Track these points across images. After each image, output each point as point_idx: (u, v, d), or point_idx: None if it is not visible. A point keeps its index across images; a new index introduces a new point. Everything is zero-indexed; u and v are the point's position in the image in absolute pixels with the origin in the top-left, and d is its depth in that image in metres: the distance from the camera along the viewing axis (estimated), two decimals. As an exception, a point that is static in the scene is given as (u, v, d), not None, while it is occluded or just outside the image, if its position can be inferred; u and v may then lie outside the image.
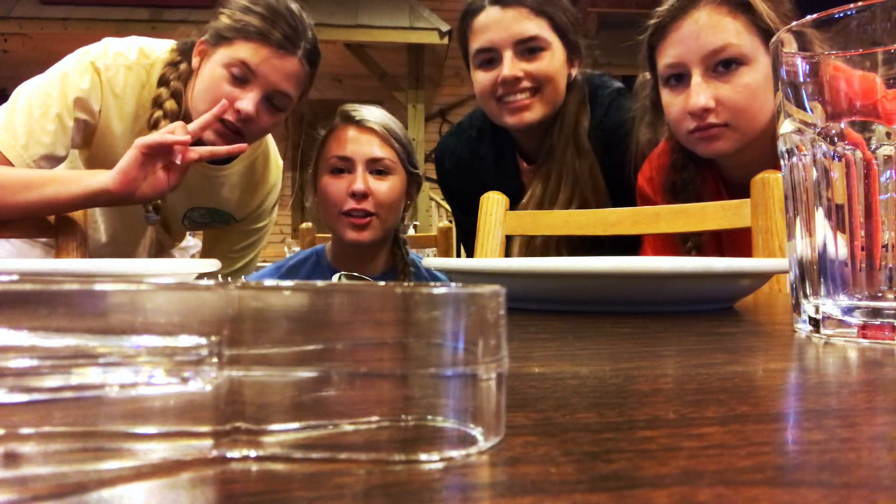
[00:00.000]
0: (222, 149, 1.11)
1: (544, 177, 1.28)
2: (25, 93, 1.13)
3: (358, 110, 1.29)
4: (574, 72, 1.28)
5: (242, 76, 1.11)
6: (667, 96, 1.06)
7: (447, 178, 1.50)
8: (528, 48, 1.21)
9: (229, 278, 1.52)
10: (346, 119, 1.29)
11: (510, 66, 1.20)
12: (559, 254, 1.30)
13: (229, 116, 1.12)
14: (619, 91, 1.31)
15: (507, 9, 1.20)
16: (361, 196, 1.25)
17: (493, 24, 1.20)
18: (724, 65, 0.99)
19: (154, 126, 1.16)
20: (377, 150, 1.27)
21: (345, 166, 1.27)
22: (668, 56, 1.04)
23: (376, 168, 1.27)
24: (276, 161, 1.42)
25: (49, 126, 1.11)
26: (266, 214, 1.45)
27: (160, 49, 1.21)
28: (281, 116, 1.19)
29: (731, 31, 0.98)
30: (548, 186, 1.28)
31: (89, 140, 1.19)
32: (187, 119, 1.18)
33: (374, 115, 1.29)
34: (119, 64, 1.17)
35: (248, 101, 1.11)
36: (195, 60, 1.16)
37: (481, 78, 1.25)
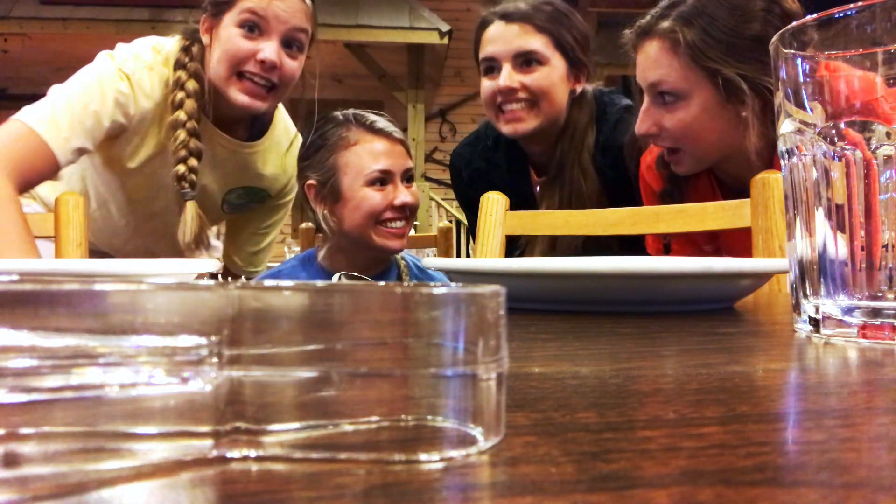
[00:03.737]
0: None
1: (557, 192, 1.35)
2: (65, 90, 1.15)
3: (380, 119, 1.33)
4: (579, 88, 1.34)
5: (254, 27, 1.13)
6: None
7: (464, 188, 1.55)
8: (526, 61, 1.29)
9: (258, 255, 1.51)
10: (371, 130, 1.31)
11: (507, 76, 1.28)
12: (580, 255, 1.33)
13: (253, 68, 1.14)
14: (627, 108, 1.37)
15: (511, 24, 1.29)
16: (403, 207, 1.30)
17: (498, 37, 1.29)
18: (662, 96, 1.04)
19: (179, 106, 1.17)
20: (408, 161, 1.33)
21: (386, 178, 1.30)
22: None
23: (406, 177, 1.33)
24: (292, 128, 1.43)
25: (88, 122, 1.13)
26: (292, 188, 1.45)
27: (169, 44, 1.23)
28: (303, 58, 1.21)
29: (667, 68, 1.02)
30: (560, 202, 1.34)
31: (113, 139, 1.21)
32: (213, 95, 1.20)
33: (394, 125, 1.34)
34: (141, 67, 1.18)
35: (268, 50, 1.14)
36: (205, 38, 1.18)
37: (485, 85, 1.34)
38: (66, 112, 1.13)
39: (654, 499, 0.13)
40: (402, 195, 1.30)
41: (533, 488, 0.13)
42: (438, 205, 5.72)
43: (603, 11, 6.55)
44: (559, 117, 1.33)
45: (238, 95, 1.17)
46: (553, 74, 1.29)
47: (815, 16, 0.36)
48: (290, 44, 1.17)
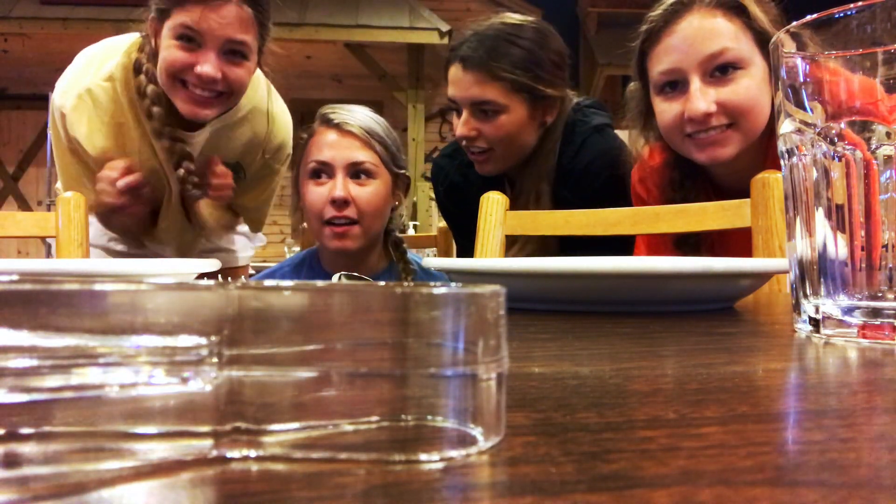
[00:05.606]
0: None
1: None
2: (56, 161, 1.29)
3: (337, 112, 1.26)
4: (550, 119, 1.29)
5: (189, 40, 1.13)
6: (661, 103, 1.04)
7: (443, 199, 1.54)
8: (482, 109, 1.25)
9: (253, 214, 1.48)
10: (325, 122, 1.26)
11: (463, 124, 1.26)
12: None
13: (193, 79, 1.14)
14: (597, 128, 1.31)
15: (467, 71, 1.23)
16: (342, 203, 1.22)
17: (457, 82, 1.26)
18: (721, 69, 0.98)
19: (148, 116, 1.19)
20: (357, 153, 1.23)
21: (325, 171, 1.24)
22: (662, 62, 1.02)
23: (357, 172, 1.24)
24: (284, 119, 1.41)
25: (74, 172, 1.25)
26: (274, 165, 1.43)
27: (122, 44, 1.24)
28: (249, 65, 1.20)
29: (727, 35, 0.97)
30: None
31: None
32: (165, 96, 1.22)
33: (354, 116, 1.26)
34: (79, 96, 1.21)
35: (207, 65, 1.12)
36: (153, 41, 1.18)
37: (454, 123, 1.32)
38: (64, 182, 1.27)
39: (654, 499, 0.13)
40: (337, 189, 1.21)
41: (533, 488, 0.13)
42: (438, 205, 5.71)
43: (603, 11, 6.55)
44: (526, 152, 1.30)
45: (181, 104, 1.17)
46: (512, 121, 1.24)
47: (815, 16, 0.36)
48: (232, 52, 1.15)
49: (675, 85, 1.02)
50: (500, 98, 1.22)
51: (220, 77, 1.14)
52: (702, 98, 0.97)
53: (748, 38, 0.98)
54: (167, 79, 1.15)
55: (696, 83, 0.98)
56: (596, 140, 1.29)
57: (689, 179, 1.11)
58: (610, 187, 1.25)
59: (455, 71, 1.25)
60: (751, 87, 0.97)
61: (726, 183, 1.10)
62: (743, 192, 0.97)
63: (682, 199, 1.09)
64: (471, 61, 1.23)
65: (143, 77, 1.19)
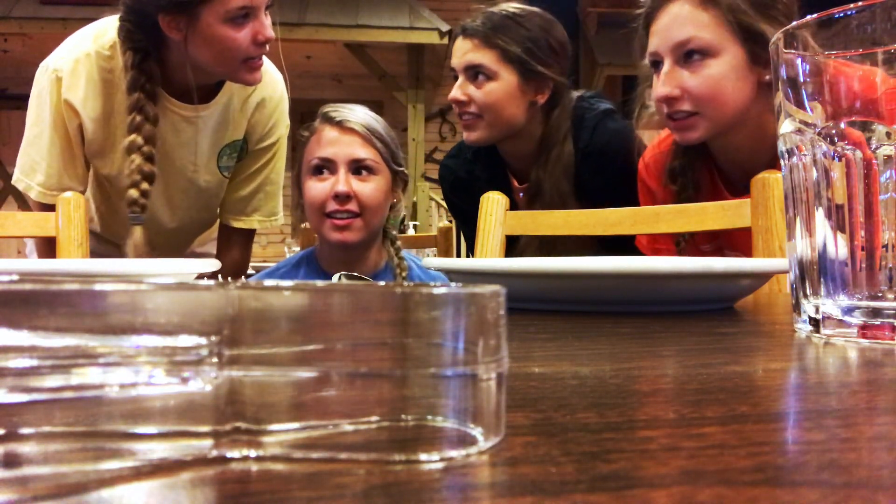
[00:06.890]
0: None
1: (538, 208, 1.36)
2: (29, 137, 1.24)
3: (339, 110, 1.29)
4: (542, 99, 1.34)
5: (244, 17, 1.14)
6: (655, 81, 1.10)
7: (451, 197, 1.59)
8: (475, 74, 1.33)
9: (244, 202, 1.44)
10: (326, 120, 1.28)
11: (456, 88, 1.35)
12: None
13: (258, 51, 1.16)
14: (606, 112, 1.37)
15: (466, 39, 1.34)
16: (345, 198, 1.25)
17: (456, 50, 1.36)
18: (689, 55, 1.03)
19: (136, 130, 1.17)
20: (359, 150, 1.27)
21: (326, 167, 1.27)
22: (649, 45, 1.08)
23: (358, 168, 1.27)
24: (276, 73, 1.41)
25: (66, 156, 1.23)
26: (274, 133, 1.41)
27: (111, 26, 1.23)
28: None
29: (698, 24, 1.02)
30: None
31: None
32: (174, 85, 1.21)
33: (355, 114, 1.29)
34: (75, 61, 1.19)
35: (268, 30, 1.16)
36: (175, 35, 1.15)
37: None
38: (46, 167, 1.22)
39: (654, 499, 0.13)
40: (340, 184, 1.24)
41: (533, 488, 0.13)
42: (438, 205, 5.72)
43: (603, 11, 6.55)
44: (514, 128, 1.34)
45: (249, 75, 1.19)
46: (501, 89, 1.31)
47: (815, 16, 0.36)
48: (265, 7, 1.18)
49: (658, 66, 1.08)
50: (492, 64, 1.30)
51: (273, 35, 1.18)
52: (666, 82, 1.04)
53: (723, 27, 1.02)
54: (234, 62, 1.16)
55: (666, 67, 1.05)
56: (608, 122, 1.35)
57: (692, 163, 1.15)
58: (629, 167, 1.28)
59: (458, 42, 1.36)
60: (715, 75, 1.02)
61: (728, 163, 1.13)
62: (745, 172, 1.00)
63: (689, 185, 1.13)
64: (471, 30, 1.33)
65: (140, 94, 1.18)
